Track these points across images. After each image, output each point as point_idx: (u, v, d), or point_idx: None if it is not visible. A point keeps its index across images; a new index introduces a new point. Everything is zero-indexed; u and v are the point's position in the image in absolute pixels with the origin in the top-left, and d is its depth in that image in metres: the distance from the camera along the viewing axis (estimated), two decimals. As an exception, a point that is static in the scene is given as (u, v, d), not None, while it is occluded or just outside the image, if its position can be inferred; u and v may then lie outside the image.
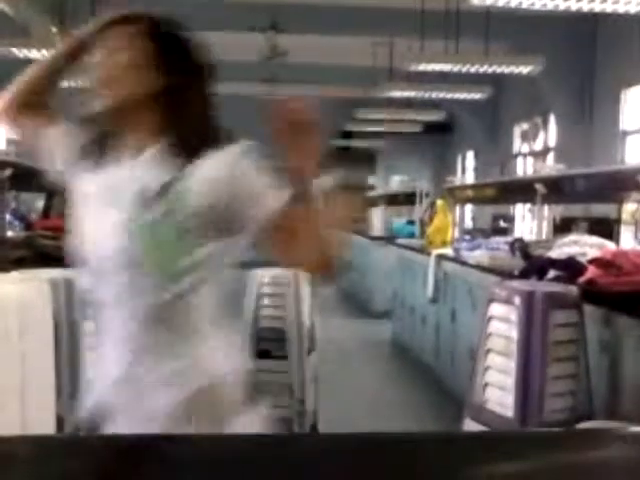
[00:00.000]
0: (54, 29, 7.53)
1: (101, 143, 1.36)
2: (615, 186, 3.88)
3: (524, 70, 6.55)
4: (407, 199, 8.60)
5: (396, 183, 9.88)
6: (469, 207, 9.32)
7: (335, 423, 3.76)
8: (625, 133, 8.15)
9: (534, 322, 2.49)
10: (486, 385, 2.65)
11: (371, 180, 12.46)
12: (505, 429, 2.37)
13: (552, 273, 3.26)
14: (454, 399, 4.18)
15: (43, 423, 1.51)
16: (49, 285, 1.65)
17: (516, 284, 2.80)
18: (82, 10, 6.50)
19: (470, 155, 13.87)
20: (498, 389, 2.60)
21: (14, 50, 6.09)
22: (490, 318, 2.69)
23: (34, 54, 6.17)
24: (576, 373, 2.56)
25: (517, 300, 2.55)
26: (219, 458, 0.98)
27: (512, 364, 2.53)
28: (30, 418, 1.44)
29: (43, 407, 1.54)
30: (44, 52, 6.12)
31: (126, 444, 1.03)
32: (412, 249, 6.23)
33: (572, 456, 1.04)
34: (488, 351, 2.67)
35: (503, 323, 2.63)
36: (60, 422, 2.19)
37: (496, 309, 2.67)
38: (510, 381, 2.53)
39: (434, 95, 8.18)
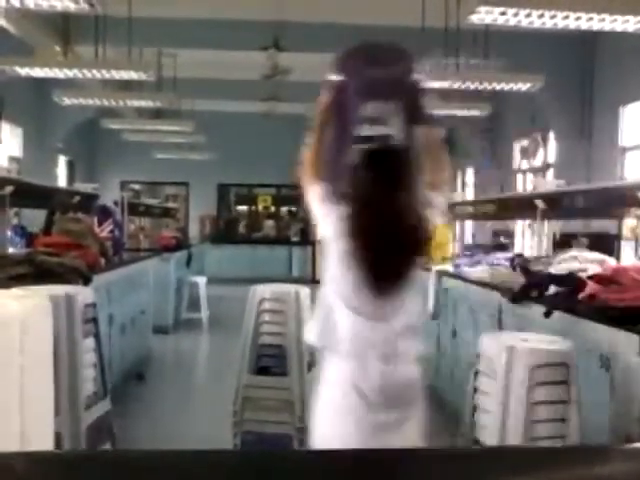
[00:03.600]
0: (57, 48, 7.60)
1: None
2: (615, 202, 3.89)
3: (523, 87, 6.58)
4: (408, 215, 8.58)
5: (397, 199, 9.87)
6: (469, 223, 9.32)
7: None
8: (624, 149, 8.18)
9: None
10: (475, 408, 2.63)
11: (372, 196, 12.47)
12: (504, 445, 2.36)
13: (552, 289, 3.26)
14: (454, 416, 4.16)
15: (41, 439, 1.51)
16: (50, 301, 1.65)
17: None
18: (86, 29, 6.56)
19: (470, 172, 13.91)
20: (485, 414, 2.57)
21: (17, 68, 6.12)
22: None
23: (37, 72, 6.21)
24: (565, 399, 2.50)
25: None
26: (220, 473, 0.98)
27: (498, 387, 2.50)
28: (28, 434, 1.44)
29: (42, 423, 1.54)
30: (47, 70, 6.16)
31: (123, 460, 1.03)
32: (413, 265, 6.22)
33: (572, 473, 1.04)
34: (477, 372, 2.65)
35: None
36: (58, 438, 2.18)
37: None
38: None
39: (434, 112, 8.21)
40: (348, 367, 1.94)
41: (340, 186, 1.86)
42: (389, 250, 1.86)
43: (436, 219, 1.96)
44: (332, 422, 1.96)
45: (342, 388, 1.94)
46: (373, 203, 1.83)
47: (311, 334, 2.04)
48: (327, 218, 1.90)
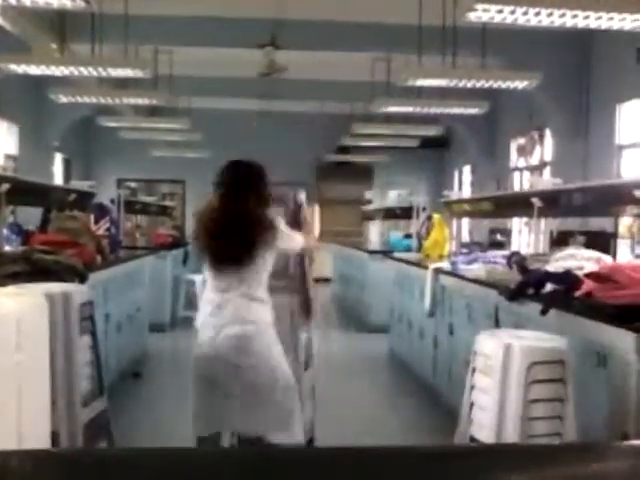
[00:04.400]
0: (54, 45, 7.58)
1: None
2: (611, 200, 3.89)
3: (520, 85, 6.59)
4: (404, 213, 8.61)
5: (393, 197, 9.89)
6: (466, 221, 9.33)
7: (332, 437, 3.75)
8: (621, 147, 8.19)
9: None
10: (472, 405, 2.62)
11: (368, 194, 12.48)
12: (501, 443, 2.36)
13: (549, 287, 3.26)
14: (451, 413, 4.17)
15: (38, 437, 1.51)
16: (46, 299, 1.65)
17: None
18: (82, 26, 6.54)
19: (467, 170, 13.92)
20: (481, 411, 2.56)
21: (13, 66, 6.11)
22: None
23: (33, 70, 6.19)
24: (561, 397, 2.49)
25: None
26: (218, 471, 0.97)
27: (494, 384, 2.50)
28: (25, 432, 1.44)
29: (38, 421, 1.53)
30: (43, 68, 6.14)
31: (120, 458, 1.03)
32: (409, 263, 6.23)
33: (569, 470, 1.04)
34: (474, 370, 2.64)
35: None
36: (55, 437, 2.18)
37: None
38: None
39: (431, 110, 8.22)
40: (202, 333, 2.85)
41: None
42: (225, 242, 2.85)
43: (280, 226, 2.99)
44: (195, 385, 2.87)
45: (197, 353, 2.86)
46: (214, 213, 2.99)
47: (196, 321, 2.95)
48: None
